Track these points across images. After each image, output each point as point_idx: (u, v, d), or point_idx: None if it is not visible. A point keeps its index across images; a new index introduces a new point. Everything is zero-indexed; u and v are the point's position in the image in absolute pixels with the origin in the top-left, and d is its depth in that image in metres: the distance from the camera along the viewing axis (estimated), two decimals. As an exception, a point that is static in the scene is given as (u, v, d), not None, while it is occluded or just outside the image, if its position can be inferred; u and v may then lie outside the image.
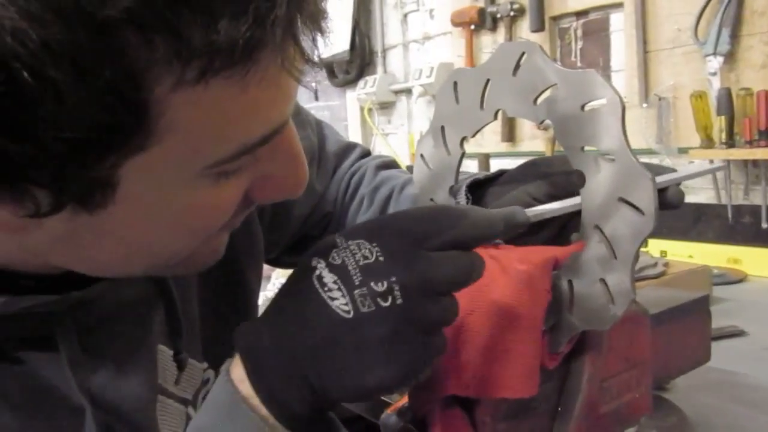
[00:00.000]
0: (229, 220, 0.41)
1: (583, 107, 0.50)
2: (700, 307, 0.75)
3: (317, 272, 0.39)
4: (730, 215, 1.39)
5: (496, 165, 1.91)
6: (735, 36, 1.35)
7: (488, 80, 0.58)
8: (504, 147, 1.90)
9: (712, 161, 1.39)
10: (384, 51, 2.37)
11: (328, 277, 0.39)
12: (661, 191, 0.53)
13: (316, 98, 2.67)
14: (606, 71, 1.65)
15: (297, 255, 0.76)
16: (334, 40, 2.42)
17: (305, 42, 0.35)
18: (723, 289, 1.24)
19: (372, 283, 0.38)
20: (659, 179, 0.52)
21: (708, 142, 1.37)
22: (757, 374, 0.83)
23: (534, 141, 1.83)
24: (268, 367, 0.39)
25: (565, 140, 0.52)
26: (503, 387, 0.51)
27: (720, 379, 0.81)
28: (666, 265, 1.13)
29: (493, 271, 0.52)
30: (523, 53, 0.54)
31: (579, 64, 1.71)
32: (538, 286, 0.53)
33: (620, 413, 0.61)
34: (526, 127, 1.86)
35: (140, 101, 0.31)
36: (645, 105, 1.53)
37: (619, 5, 1.58)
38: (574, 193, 0.52)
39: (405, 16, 2.28)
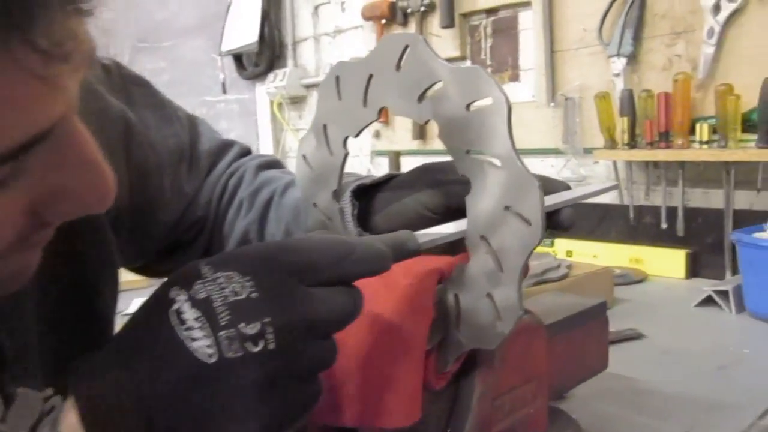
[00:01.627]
0: (28, 239, 0.34)
1: (468, 107, 0.46)
2: (598, 314, 0.73)
3: (176, 306, 0.34)
4: (632, 216, 1.40)
5: (407, 162, 1.88)
6: (637, 38, 1.36)
7: (371, 75, 0.53)
8: (416, 145, 1.87)
9: (614, 162, 1.40)
10: (295, 44, 2.30)
11: (189, 313, 0.34)
12: (553, 213, 0.50)
13: (224, 91, 2.57)
14: (515, 70, 1.65)
15: (168, 263, 0.69)
16: (243, 30, 2.33)
17: (42, 32, 0.28)
18: (624, 290, 1.25)
19: (242, 325, 0.34)
20: (551, 199, 0.49)
21: (611, 143, 1.38)
22: (654, 379, 0.83)
23: (445, 139, 1.81)
24: (108, 415, 0.33)
25: (450, 142, 0.48)
26: (383, 415, 0.46)
27: (617, 385, 0.80)
28: (569, 267, 1.12)
29: (375, 285, 0.47)
30: (406, 46, 0.49)
31: (489, 62, 1.70)
32: (422, 301, 0.48)
33: (515, 431, 0.57)
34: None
35: None
36: (552, 104, 1.53)
37: (528, 4, 1.57)
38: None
39: (316, 8, 2.22)
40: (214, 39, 2.51)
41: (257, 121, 2.51)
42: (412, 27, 1.82)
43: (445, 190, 0.54)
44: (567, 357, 0.67)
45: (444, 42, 1.77)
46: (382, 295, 0.48)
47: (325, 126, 0.58)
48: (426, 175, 0.57)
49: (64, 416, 0.34)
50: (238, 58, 2.44)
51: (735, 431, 0.66)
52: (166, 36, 2.95)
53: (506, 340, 0.51)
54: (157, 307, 0.35)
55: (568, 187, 0.55)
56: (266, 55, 2.32)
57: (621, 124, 1.35)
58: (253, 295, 0.34)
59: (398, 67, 0.50)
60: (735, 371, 0.84)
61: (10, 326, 0.45)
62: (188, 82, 2.81)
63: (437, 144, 1.85)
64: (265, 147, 2.44)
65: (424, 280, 0.49)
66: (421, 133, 1.85)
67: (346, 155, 0.57)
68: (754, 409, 0.70)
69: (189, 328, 0.34)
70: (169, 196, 0.64)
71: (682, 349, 0.92)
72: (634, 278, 1.31)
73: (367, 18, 1.92)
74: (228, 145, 0.71)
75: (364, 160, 2.08)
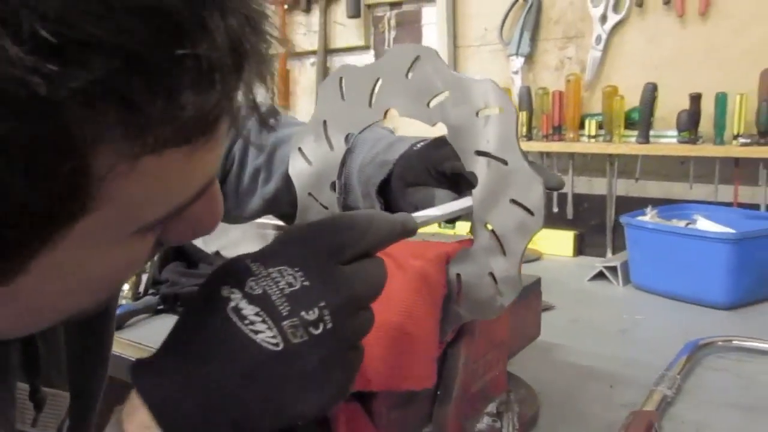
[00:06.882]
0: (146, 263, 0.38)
1: (478, 113, 0.54)
2: (535, 289, 0.85)
3: (233, 304, 0.37)
4: (527, 200, 1.55)
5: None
6: (534, 39, 1.50)
7: (378, 79, 0.59)
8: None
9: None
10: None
11: (249, 309, 0.37)
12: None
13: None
14: (417, 62, 1.74)
15: None
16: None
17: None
18: (525, 268, 1.39)
19: (303, 313, 0.37)
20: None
21: (511, 134, 1.52)
22: (571, 343, 0.96)
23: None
24: (180, 410, 0.35)
25: (459, 143, 0.56)
26: (408, 379, 0.53)
27: (545, 350, 0.92)
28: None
29: (390, 267, 0.54)
30: (417, 56, 0.56)
31: (392, 53, 1.78)
32: (434, 280, 0.56)
33: (485, 391, 0.66)
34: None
35: (78, 180, 0.28)
36: (454, 96, 1.64)
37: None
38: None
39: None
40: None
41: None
42: (316, 14, 1.86)
43: (456, 187, 0.61)
44: (515, 327, 0.78)
45: (348, 31, 1.83)
46: (398, 276, 0.55)
47: (325, 122, 0.63)
48: (434, 158, 0.62)
49: (131, 417, 0.35)
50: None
51: (649, 382, 0.79)
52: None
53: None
54: (212, 306, 0.37)
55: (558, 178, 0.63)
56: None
57: (520, 117, 1.48)
58: (306, 283, 0.38)
59: (408, 74, 0.57)
60: (635, 333, 0.99)
61: (43, 332, 0.47)
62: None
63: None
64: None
65: (434, 262, 0.56)
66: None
67: (347, 151, 0.63)
68: (659, 362, 0.84)
69: (251, 323, 0.36)
70: None
71: (587, 318, 1.07)
72: (530, 257, 1.45)
73: (269, 2, 1.93)
74: None
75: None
